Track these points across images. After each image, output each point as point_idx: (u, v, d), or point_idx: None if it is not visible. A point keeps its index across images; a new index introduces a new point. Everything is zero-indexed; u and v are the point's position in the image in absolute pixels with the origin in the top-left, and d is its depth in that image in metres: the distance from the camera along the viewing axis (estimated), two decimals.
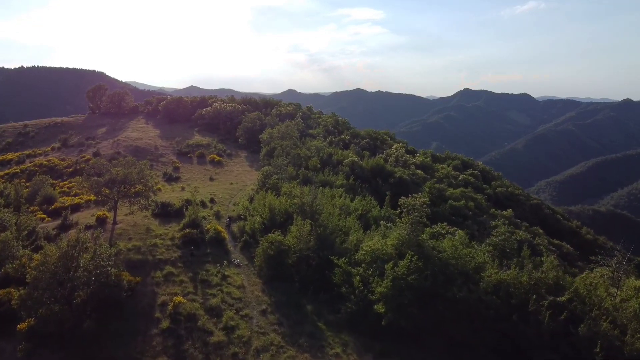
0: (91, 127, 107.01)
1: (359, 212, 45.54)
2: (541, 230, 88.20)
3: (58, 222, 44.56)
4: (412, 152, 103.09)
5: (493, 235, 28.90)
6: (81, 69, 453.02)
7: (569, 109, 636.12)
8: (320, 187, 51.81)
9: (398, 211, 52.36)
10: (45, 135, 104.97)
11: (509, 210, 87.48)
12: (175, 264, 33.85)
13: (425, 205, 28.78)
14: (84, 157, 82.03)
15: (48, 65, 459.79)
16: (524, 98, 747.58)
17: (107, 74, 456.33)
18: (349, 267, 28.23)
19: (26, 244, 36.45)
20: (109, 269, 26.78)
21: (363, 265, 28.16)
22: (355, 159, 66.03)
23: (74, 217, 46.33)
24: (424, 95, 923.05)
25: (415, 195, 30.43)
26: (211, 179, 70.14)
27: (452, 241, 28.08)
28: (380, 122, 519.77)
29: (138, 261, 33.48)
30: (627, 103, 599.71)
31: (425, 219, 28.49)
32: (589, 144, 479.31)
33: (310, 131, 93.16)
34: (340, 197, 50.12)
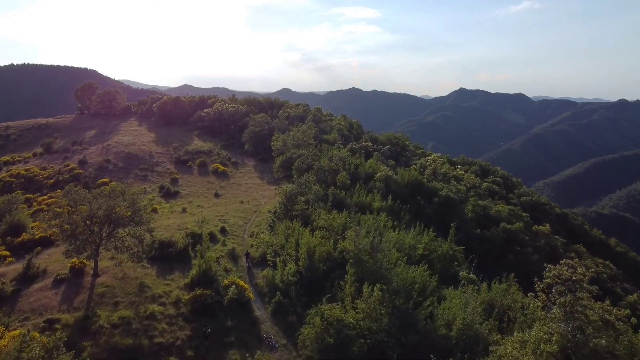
0: (79, 129, 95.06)
1: (420, 251, 34.84)
2: (584, 248, 79.16)
3: (20, 267, 33.16)
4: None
5: None
6: (73, 66, 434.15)
7: (564, 109, 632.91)
8: (359, 214, 41.06)
9: (462, 247, 42.18)
10: (29, 138, 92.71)
11: (546, 225, 78.23)
12: (183, 353, 22.76)
13: (587, 279, 18.29)
14: (68, 165, 70.26)
15: (39, 63, 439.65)
16: (519, 98, 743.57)
17: (99, 72, 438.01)
18: None
19: None
20: None
21: None
22: (389, 173, 55.32)
23: (42, 259, 35.04)
24: (419, 94, 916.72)
25: (568, 261, 19.94)
26: (216, 195, 58.96)
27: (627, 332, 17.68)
28: (376, 122, 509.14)
29: (127, 349, 22.35)
30: (622, 103, 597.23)
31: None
32: (585, 144, 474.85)
33: (325, 136, 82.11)
34: (385, 226, 39.33)
